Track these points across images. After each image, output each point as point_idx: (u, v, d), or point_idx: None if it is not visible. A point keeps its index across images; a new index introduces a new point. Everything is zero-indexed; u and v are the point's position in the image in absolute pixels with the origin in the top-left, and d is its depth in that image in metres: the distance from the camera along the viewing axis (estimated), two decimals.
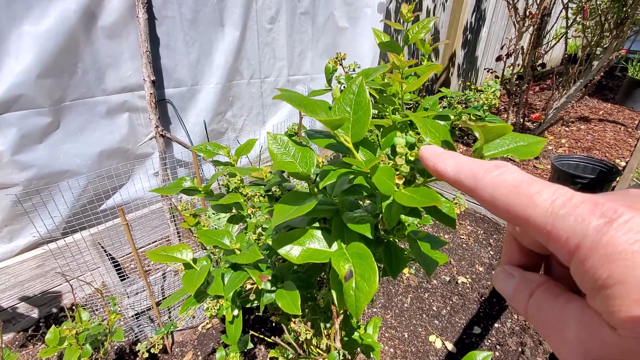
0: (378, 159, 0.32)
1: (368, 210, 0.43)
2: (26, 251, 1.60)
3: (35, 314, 1.68)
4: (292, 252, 0.37)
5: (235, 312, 0.52)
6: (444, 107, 0.78)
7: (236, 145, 2.21)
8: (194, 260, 0.51)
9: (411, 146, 0.34)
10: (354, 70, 0.73)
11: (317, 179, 0.37)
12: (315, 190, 0.38)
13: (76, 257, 1.60)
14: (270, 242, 0.37)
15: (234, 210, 0.61)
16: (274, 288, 0.50)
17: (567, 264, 0.17)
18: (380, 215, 0.44)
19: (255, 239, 0.55)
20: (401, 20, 0.63)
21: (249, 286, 0.50)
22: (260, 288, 0.49)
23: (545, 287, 0.20)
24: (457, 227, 2.32)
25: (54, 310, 1.73)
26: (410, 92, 0.64)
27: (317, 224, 0.45)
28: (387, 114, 0.57)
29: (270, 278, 0.49)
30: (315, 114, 0.32)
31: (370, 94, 0.67)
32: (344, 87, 0.76)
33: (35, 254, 1.59)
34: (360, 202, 0.47)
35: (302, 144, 0.39)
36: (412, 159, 0.33)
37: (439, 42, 3.60)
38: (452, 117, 0.59)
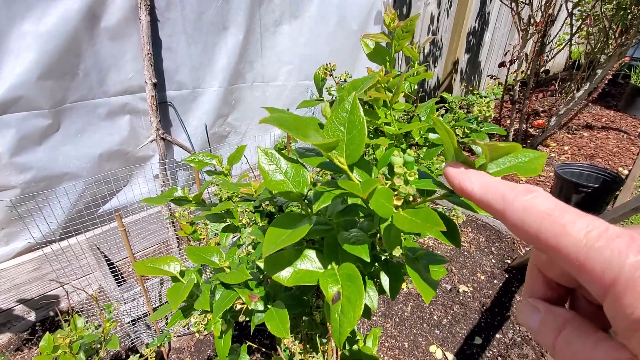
0: (376, 182, 0.30)
1: (363, 228, 0.41)
2: (23, 254, 1.58)
3: (31, 317, 1.66)
4: (283, 273, 0.36)
5: (224, 327, 0.50)
6: (442, 115, 0.76)
7: None
8: (182, 273, 0.49)
9: (409, 165, 0.32)
10: (344, 80, 0.71)
11: (310, 199, 0.35)
12: (309, 211, 0.36)
13: (72, 262, 1.58)
14: (259, 264, 0.35)
15: (228, 221, 0.59)
16: (264, 308, 0.48)
17: (600, 298, 0.16)
18: (378, 235, 0.42)
19: (246, 255, 0.53)
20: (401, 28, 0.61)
21: (239, 306, 0.48)
22: (250, 308, 0.47)
23: (574, 324, 0.20)
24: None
25: (51, 313, 1.72)
26: (404, 102, 0.62)
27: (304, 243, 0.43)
28: (379, 126, 0.55)
29: (259, 297, 0.47)
30: (308, 138, 0.31)
31: None
32: (334, 98, 0.74)
33: (32, 257, 1.58)
34: (356, 219, 0.45)
35: (294, 159, 0.37)
36: (410, 178, 0.31)
37: (438, 46, 3.57)
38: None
